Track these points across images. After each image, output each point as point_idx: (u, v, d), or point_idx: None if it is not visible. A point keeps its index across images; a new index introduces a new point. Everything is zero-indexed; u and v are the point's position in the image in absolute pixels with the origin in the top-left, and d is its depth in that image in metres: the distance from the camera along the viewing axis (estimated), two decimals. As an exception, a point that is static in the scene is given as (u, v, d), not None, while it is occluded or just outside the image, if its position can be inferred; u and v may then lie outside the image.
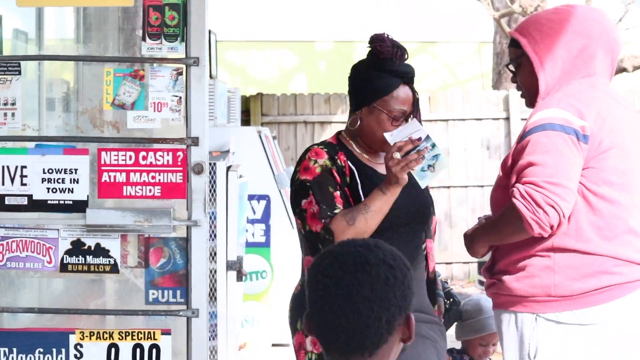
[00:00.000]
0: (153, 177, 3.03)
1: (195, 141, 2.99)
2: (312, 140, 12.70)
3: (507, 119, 12.98)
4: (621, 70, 11.74)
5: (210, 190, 5.27)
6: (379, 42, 3.41)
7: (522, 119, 12.89)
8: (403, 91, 3.42)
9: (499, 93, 13.19)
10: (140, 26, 3.07)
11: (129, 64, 3.09)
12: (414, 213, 3.50)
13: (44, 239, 3.07)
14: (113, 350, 3.05)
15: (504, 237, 3.39)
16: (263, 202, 7.97)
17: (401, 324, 2.05)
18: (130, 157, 3.04)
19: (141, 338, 3.05)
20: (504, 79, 14.15)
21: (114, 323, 3.31)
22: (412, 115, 3.46)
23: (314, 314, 2.06)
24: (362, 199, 3.36)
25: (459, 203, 12.91)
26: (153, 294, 3.07)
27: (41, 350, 3.09)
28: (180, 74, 3.03)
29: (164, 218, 3.00)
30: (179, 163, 3.02)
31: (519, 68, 3.50)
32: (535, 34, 3.45)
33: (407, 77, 3.43)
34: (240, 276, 5.40)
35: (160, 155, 3.03)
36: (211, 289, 5.01)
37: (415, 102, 3.46)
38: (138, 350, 3.05)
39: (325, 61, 21.79)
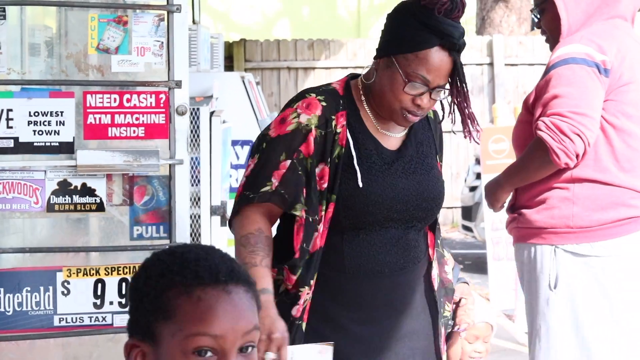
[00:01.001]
0: (137, 119, 3.10)
1: (178, 84, 3.08)
2: (295, 85, 12.69)
3: (491, 64, 13.01)
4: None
5: (193, 135, 5.34)
6: None
7: (505, 64, 12.94)
8: (436, 55, 2.62)
9: (482, 38, 13.21)
10: (123, -28, 3.13)
11: (112, 9, 3.15)
12: (412, 207, 2.75)
13: (31, 180, 3.11)
14: (100, 285, 3.12)
15: (530, 174, 3.41)
16: (247, 148, 8.00)
17: None
18: (115, 100, 3.10)
19: (127, 273, 3.12)
20: (488, 24, 14.15)
21: (100, 260, 3.39)
22: (447, 89, 2.70)
23: None
24: (358, 174, 2.68)
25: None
26: (137, 230, 3.13)
27: (28, 289, 3.12)
28: (162, 19, 3.09)
29: (152, 157, 3.08)
30: (162, 105, 3.09)
31: (543, 13, 3.56)
32: None
33: (447, 39, 2.63)
34: (224, 221, 5.47)
35: (143, 98, 3.10)
36: (195, 234, 5.10)
37: (454, 72, 2.68)
38: (124, 284, 3.12)
39: (309, 6, 21.70)
